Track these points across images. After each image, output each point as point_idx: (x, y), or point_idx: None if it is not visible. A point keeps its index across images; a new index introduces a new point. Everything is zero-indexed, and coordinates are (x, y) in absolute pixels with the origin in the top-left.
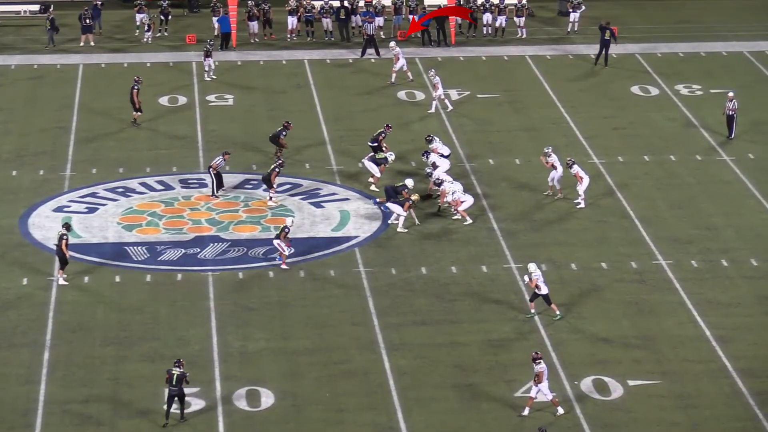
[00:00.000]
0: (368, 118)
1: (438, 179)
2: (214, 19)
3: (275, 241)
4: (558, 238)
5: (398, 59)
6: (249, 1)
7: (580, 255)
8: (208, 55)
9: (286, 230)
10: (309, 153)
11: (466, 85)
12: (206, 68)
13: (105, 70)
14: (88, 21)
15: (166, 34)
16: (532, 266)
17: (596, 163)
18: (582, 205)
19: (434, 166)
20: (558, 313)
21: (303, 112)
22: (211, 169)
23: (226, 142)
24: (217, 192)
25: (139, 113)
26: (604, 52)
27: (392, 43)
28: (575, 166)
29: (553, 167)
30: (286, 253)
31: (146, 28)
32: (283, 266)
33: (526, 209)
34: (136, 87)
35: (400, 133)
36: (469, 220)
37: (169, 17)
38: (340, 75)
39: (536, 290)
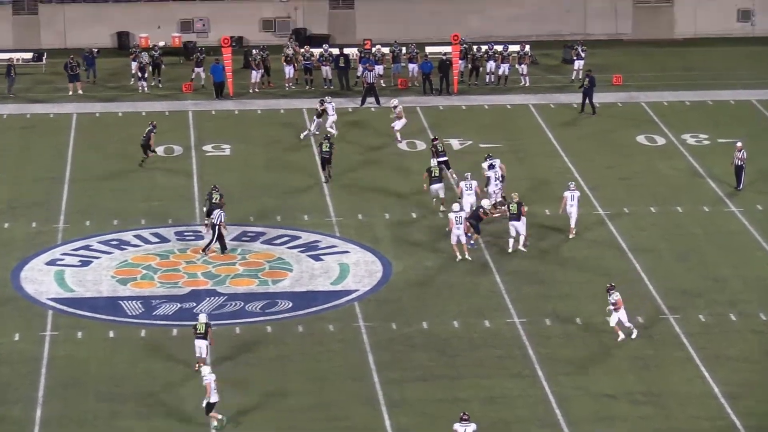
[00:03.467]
0: (368, 167)
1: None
2: (197, 69)
3: (198, 342)
4: (562, 291)
5: (400, 118)
6: (253, 50)
7: (585, 309)
8: (320, 115)
9: (204, 328)
10: (307, 204)
11: (468, 134)
12: (311, 128)
13: (99, 119)
14: (75, 70)
15: (160, 85)
16: (205, 369)
17: (601, 214)
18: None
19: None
20: (216, 423)
21: (302, 161)
22: (218, 226)
23: (222, 192)
24: (208, 249)
25: (152, 153)
26: (588, 101)
27: (395, 101)
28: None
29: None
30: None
31: (139, 76)
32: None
33: (529, 262)
34: (153, 131)
35: (401, 181)
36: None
37: (162, 66)
38: (340, 124)
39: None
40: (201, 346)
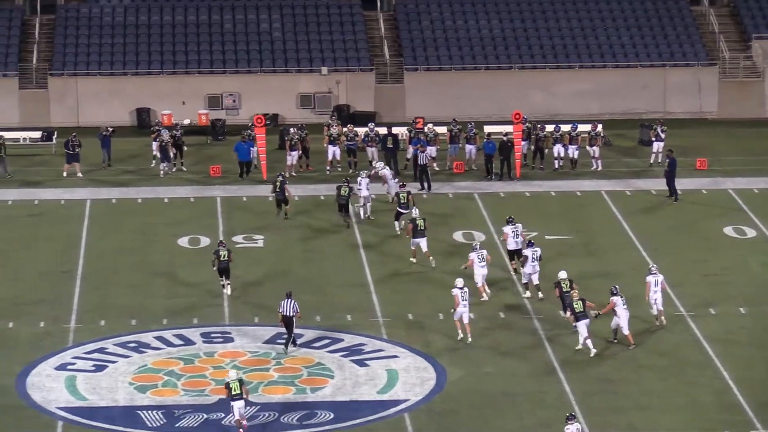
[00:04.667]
0: (420, 259)
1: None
2: (253, 149)
3: (236, 404)
4: (640, 402)
5: (386, 182)
6: (291, 129)
7: (666, 421)
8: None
9: (239, 387)
10: (351, 302)
11: (532, 224)
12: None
13: (116, 207)
14: (75, 149)
15: (183, 168)
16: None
17: (684, 315)
18: None
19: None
20: None
21: (344, 254)
22: (297, 318)
23: (254, 289)
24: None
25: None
26: (671, 185)
27: (379, 164)
28: None
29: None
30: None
31: (161, 157)
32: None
33: (603, 368)
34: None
35: (458, 276)
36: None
37: (184, 148)
38: (387, 211)
39: None
40: (239, 407)
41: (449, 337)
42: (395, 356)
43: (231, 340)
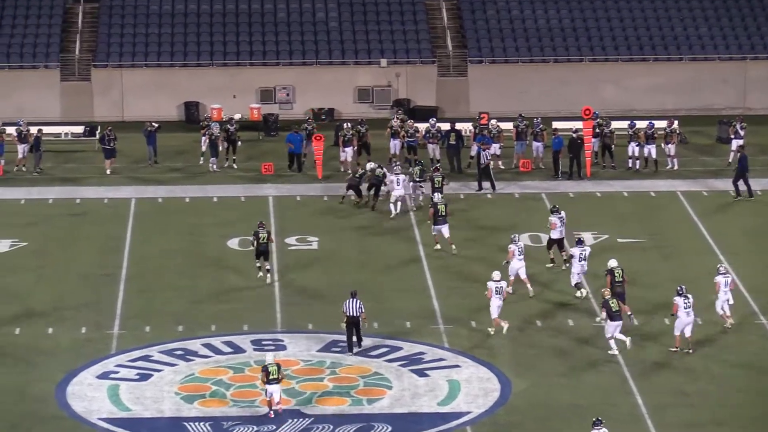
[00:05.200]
0: (482, 265)
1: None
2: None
3: (274, 387)
4: (717, 415)
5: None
6: (344, 125)
7: None
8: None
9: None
10: (410, 308)
11: (603, 226)
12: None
13: (162, 206)
14: (111, 143)
15: (234, 165)
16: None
17: (764, 324)
18: None
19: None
20: None
21: (403, 256)
22: (362, 319)
23: (308, 294)
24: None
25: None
26: (744, 182)
27: (369, 164)
28: None
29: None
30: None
31: (211, 152)
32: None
33: (677, 378)
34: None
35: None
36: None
37: (238, 144)
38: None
39: None
40: (275, 391)
41: (515, 345)
42: (457, 366)
43: (283, 347)
